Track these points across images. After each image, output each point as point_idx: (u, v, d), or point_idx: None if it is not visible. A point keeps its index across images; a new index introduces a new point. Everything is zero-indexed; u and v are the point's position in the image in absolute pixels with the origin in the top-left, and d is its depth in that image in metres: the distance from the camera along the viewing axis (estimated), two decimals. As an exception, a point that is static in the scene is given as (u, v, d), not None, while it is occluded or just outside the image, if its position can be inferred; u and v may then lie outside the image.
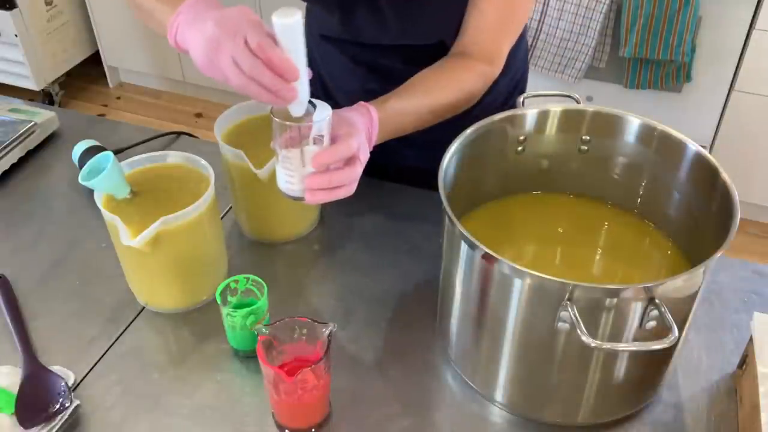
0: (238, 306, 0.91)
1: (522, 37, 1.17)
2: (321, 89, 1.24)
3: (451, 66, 1.02)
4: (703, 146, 0.88)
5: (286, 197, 0.86)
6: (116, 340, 0.98)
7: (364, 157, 0.86)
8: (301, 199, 0.84)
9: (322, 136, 0.82)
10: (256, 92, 0.77)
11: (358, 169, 0.84)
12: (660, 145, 0.93)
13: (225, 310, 0.90)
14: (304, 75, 0.79)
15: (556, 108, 0.96)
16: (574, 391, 0.84)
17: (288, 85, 0.77)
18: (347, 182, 0.83)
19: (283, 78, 0.76)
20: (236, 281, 0.92)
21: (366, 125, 0.89)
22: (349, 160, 0.83)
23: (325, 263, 1.10)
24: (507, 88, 1.21)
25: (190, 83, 3.14)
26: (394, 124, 0.95)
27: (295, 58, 0.77)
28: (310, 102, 0.82)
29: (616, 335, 0.76)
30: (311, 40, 1.22)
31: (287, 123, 0.81)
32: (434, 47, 1.08)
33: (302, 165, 0.82)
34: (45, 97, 3.06)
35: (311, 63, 1.14)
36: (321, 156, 0.81)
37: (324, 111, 0.82)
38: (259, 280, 0.91)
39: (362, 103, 0.92)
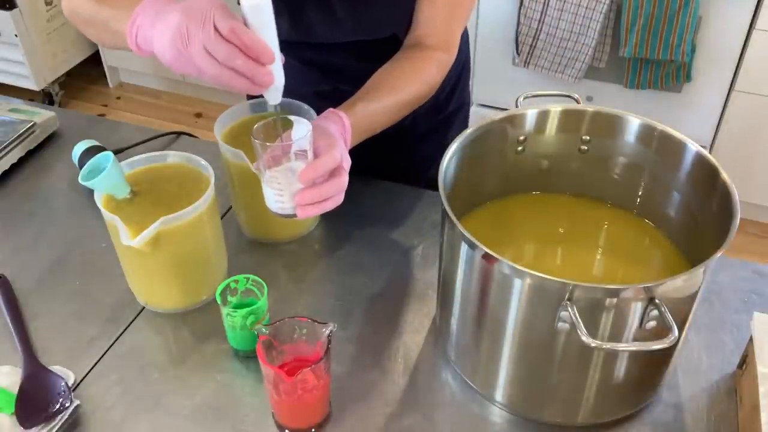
0: (238, 306, 0.91)
1: None
2: None
3: (410, 60, 1.04)
4: (703, 146, 0.88)
5: (277, 216, 0.86)
6: (116, 340, 0.98)
7: (347, 165, 0.86)
8: (293, 216, 0.85)
9: (305, 150, 0.82)
10: (230, 80, 0.75)
11: (345, 179, 0.84)
12: (660, 145, 0.93)
13: (225, 310, 0.90)
14: (278, 59, 0.77)
15: (556, 108, 0.96)
16: (574, 391, 0.84)
17: (264, 68, 0.75)
18: (335, 193, 0.84)
19: (258, 62, 0.74)
20: (236, 281, 0.92)
21: (340, 132, 0.90)
22: (335, 171, 0.84)
23: (325, 263, 1.10)
24: (456, 71, 1.24)
25: (190, 83, 3.14)
26: (366, 126, 0.95)
27: (268, 40, 0.75)
28: (286, 118, 0.82)
29: (616, 335, 0.76)
30: None
31: (268, 144, 0.82)
32: (387, 42, 1.08)
33: (290, 183, 0.83)
34: (45, 97, 3.06)
35: None
36: (308, 171, 0.81)
37: (303, 126, 0.83)
38: (259, 280, 0.91)
39: (332, 110, 0.93)
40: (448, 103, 1.27)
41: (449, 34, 1.06)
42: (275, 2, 1.08)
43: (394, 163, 1.26)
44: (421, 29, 1.05)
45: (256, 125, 0.84)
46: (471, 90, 2.52)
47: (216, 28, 0.72)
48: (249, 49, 0.74)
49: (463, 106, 1.32)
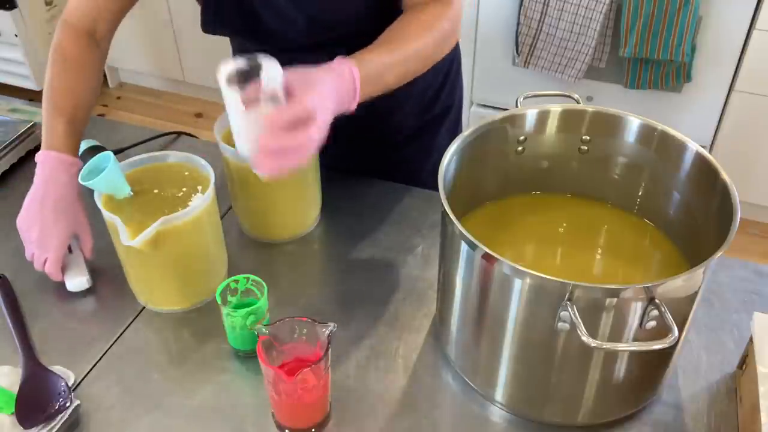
0: (238, 306, 0.91)
1: None
2: None
3: (415, 16, 0.99)
4: (703, 146, 0.88)
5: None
6: (116, 340, 0.98)
7: (323, 118, 0.79)
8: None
9: (277, 96, 0.77)
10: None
11: (312, 132, 0.77)
12: (660, 145, 0.93)
13: (225, 310, 0.90)
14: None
15: (556, 108, 0.96)
16: (574, 391, 0.84)
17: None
18: (297, 146, 0.77)
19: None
20: (236, 281, 0.92)
21: (335, 85, 0.84)
22: (303, 121, 0.77)
23: (325, 263, 1.10)
24: (443, 71, 1.23)
25: (190, 83, 3.14)
26: (377, 77, 0.91)
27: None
28: (253, 60, 0.78)
29: (616, 335, 0.76)
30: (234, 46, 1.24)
31: (231, 89, 0.77)
32: (357, 39, 1.05)
33: (250, 128, 0.78)
34: (45, 97, 3.06)
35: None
36: (269, 117, 0.76)
37: (273, 68, 0.77)
38: (259, 280, 0.91)
39: (340, 59, 0.87)
40: (434, 104, 1.26)
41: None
42: (231, 17, 1.07)
43: (384, 163, 1.26)
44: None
45: (222, 66, 0.78)
46: (471, 90, 2.53)
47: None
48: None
49: (452, 107, 1.30)
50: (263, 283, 0.91)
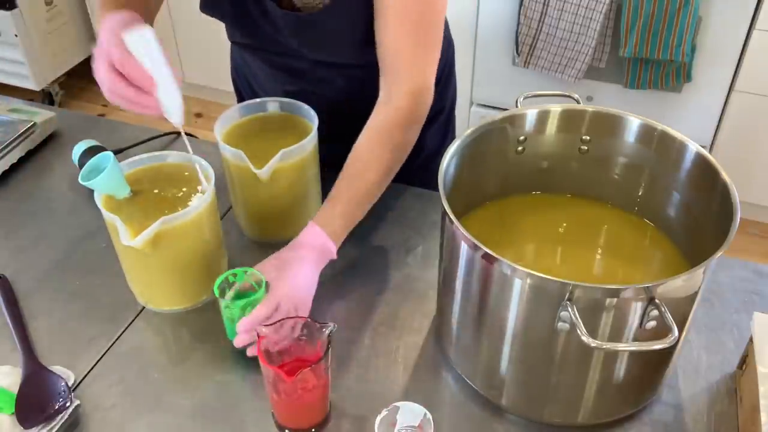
0: (236, 299, 0.91)
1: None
2: (248, 89, 1.28)
3: (379, 132, 1.00)
4: (703, 146, 0.88)
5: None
6: (116, 340, 0.98)
7: (290, 303, 0.89)
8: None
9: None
10: (124, 105, 0.84)
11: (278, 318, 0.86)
12: (660, 145, 0.93)
13: (223, 303, 0.90)
14: (170, 83, 0.83)
15: (556, 108, 0.96)
16: (574, 391, 0.84)
17: (147, 96, 0.83)
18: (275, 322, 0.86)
19: (141, 89, 0.83)
20: (234, 275, 0.91)
21: (311, 260, 0.94)
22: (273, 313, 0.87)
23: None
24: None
25: (190, 83, 3.14)
26: (347, 226, 0.99)
27: (152, 70, 0.82)
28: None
29: (616, 335, 0.76)
30: (232, 44, 1.25)
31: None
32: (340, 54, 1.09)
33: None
34: (45, 97, 3.06)
35: (238, 66, 1.14)
36: (242, 323, 0.87)
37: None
38: (258, 273, 0.91)
39: (311, 228, 0.96)
40: None
41: (419, 79, 1.00)
42: (230, 15, 1.09)
43: None
44: (388, 76, 1.01)
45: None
46: (471, 90, 2.53)
47: (111, 61, 0.83)
48: (131, 77, 0.83)
49: (443, 110, 1.29)
50: (262, 276, 0.91)
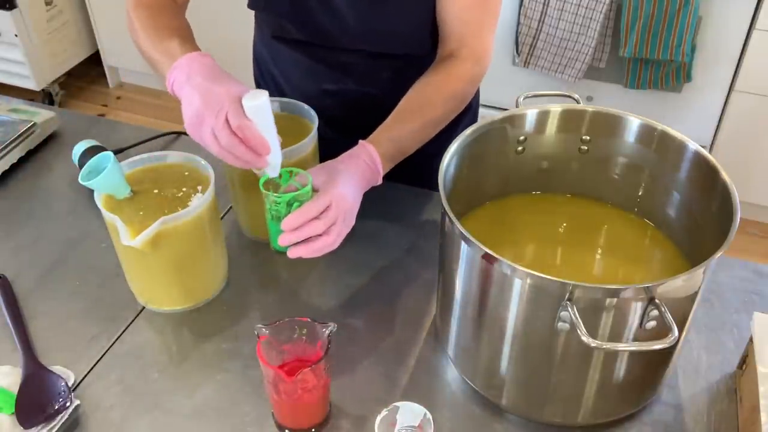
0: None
1: None
2: (275, 89, 1.27)
3: (441, 77, 1.05)
4: (703, 146, 0.88)
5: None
6: (116, 340, 0.98)
7: (338, 207, 0.88)
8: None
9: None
10: (231, 161, 0.86)
11: (324, 222, 0.86)
12: (660, 145, 0.93)
13: (269, 198, 0.88)
14: (275, 143, 0.86)
15: (556, 108, 0.96)
16: (574, 391, 0.84)
17: (260, 157, 0.85)
18: (312, 234, 0.86)
19: (255, 152, 0.85)
20: (279, 176, 0.90)
21: (359, 172, 0.93)
22: (320, 213, 0.87)
23: (325, 263, 1.10)
24: None
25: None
26: (397, 153, 0.99)
27: (265, 132, 0.85)
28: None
29: (616, 335, 0.76)
30: (262, 41, 1.24)
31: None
32: (397, 54, 1.10)
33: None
34: (45, 97, 3.06)
35: (265, 64, 1.14)
36: (289, 219, 0.86)
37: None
38: (303, 172, 0.90)
39: (362, 144, 0.96)
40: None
41: (481, 46, 1.07)
42: (286, 7, 1.08)
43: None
44: (452, 42, 1.06)
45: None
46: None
47: (227, 120, 0.83)
48: (250, 143, 0.84)
49: (471, 106, 1.31)
50: (308, 175, 0.90)
